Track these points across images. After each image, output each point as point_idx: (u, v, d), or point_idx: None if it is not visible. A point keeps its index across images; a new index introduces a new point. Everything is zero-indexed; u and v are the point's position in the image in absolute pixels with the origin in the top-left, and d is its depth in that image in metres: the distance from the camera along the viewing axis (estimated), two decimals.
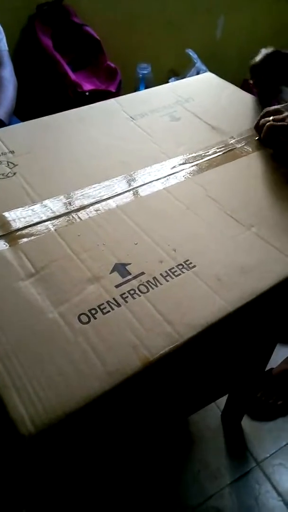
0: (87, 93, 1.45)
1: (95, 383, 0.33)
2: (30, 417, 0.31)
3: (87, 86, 1.48)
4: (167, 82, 1.76)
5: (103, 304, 0.39)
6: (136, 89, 1.69)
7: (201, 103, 0.72)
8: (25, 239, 0.46)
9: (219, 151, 0.60)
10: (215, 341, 0.44)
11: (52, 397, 0.32)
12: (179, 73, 1.81)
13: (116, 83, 1.54)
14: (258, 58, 0.70)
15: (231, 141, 0.62)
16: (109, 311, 0.39)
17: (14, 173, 0.54)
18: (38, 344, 0.36)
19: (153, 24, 1.74)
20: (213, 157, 0.59)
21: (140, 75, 1.68)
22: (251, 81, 0.72)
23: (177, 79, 1.74)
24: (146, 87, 1.69)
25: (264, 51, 0.70)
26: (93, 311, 0.39)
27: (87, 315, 0.38)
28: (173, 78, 1.77)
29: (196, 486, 0.96)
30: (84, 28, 1.55)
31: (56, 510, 0.54)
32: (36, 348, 0.35)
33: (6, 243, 0.45)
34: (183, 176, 0.55)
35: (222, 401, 1.04)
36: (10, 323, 0.37)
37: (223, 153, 0.60)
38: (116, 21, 1.67)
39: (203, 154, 0.59)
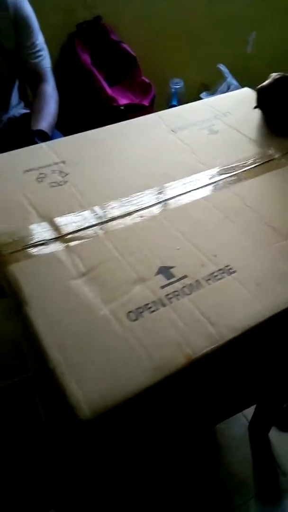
0: (122, 107, 1.51)
1: (142, 376, 0.36)
2: (86, 403, 0.34)
3: (122, 101, 1.54)
4: (199, 96, 1.81)
5: (149, 303, 0.42)
6: (168, 103, 1.74)
7: (239, 117, 0.75)
8: (76, 242, 0.49)
9: (257, 162, 0.62)
10: (251, 346, 0.46)
11: (105, 387, 0.35)
12: (210, 87, 1.85)
13: (150, 97, 1.60)
14: (266, 82, 0.70)
15: (270, 152, 0.65)
16: (154, 311, 0.42)
17: (66, 182, 0.59)
18: (91, 338, 0.39)
19: (186, 40, 1.79)
20: (251, 168, 0.61)
21: (173, 90, 1.73)
22: (255, 106, 0.73)
23: (208, 94, 1.79)
24: (179, 101, 1.73)
25: (273, 75, 0.70)
26: (140, 310, 0.42)
27: (135, 313, 0.41)
28: (204, 93, 1.81)
29: (222, 496, 0.96)
30: (120, 45, 1.62)
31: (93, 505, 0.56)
32: (90, 342, 0.39)
33: (61, 245, 0.49)
34: (222, 186, 0.58)
35: (249, 411, 1.05)
36: (66, 318, 0.41)
37: (261, 164, 0.62)
38: (151, 38, 1.73)
39: (241, 165, 0.62)
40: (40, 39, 1.19)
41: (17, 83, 1.27)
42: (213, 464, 1.02)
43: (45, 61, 1.21)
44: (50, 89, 1.20)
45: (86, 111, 1.57)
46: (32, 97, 1.21)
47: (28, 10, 1.14)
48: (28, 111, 1.28)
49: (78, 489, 0.55)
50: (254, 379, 0.63)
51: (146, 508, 0.92)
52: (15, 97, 1.28)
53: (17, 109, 1.29)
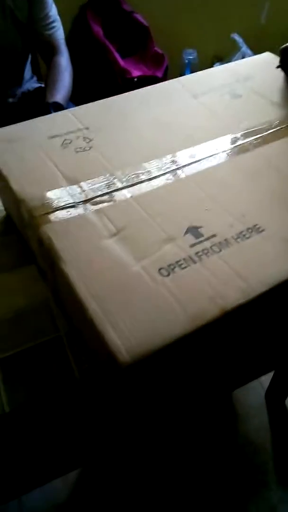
0: (135, 79, 1.49)
1: (178, 326, 0.37)
2: (126, 349, 0.35)
3: (135, 73, 1.52)
4: (212, 67, 1.77)
5: (179, 260, 0.43)
6: (181, 74, 1.71)
7: (261, 80, 0.74)
8: (105, 204, 0.50)
9: (281, 125, 0.62)
10: (279, 302, 0.47)
11: (142, 335, 0.37)
12: (224, 58, 1.81)
13: (162, 69, 1.58)
14: None
15: None
16: (186, 267, 0.43)
17: (90, 147, 0.59)
18: (126, 292, 0.40)
19: (198, 10, 1.75)
20: (276, 130, 0.61)
21: (186, 61, 1.70)
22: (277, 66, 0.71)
23: (222, 64, 1.75)
24: (192, 72, 1.70)
25: None
26: (172, 266, 0.43)
27: (166, 269, 0.42)
28: (217, 63, 1.78)
29: (241, 460, 0.99)
30: (133, 15, 1.59)
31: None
32: (125, 295, 0.40)
33: (90, 207, 0.49)
34: (246, 148, 0.58)
35: (266, 381, 1.07)
36: (100, 275, 0.42)
37: (286, 126, 0.62)
38: (163, 7, 1.70)
39: (265, 128, 0.62)
40: (53, 11, 1.17)
41: (29, 57, 1.26)
42: (231, 431, 1.04)
43: (59, 32, 1.20)
44: (64, 61, 1.19)
45: (100, 83, 1.55)
46: (46, 70, 1.20)
47: None
48: (41, 85, 1.28)
49: (108, 446, 0.57)
50: (276, 341, 0.65)
51: (169, 469, 0.96)
52: (28, 71, 1.27)
53: (31, 83, 1.28)
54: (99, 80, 1.57)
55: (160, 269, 0.42)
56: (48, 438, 0.53)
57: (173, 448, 0.99)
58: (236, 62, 0.82)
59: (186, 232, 0.46)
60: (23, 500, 0.99)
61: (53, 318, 0.55)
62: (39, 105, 1.10)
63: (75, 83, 1.20)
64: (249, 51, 1.69)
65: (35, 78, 1.32)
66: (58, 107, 1.07)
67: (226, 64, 0.81)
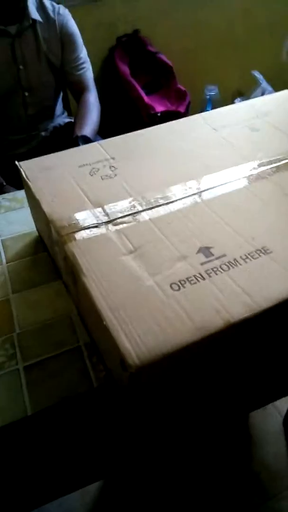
0: (159, 114, 1.58)
1: (185, 334, 0.41)
2: (136, 353, 0.39)
3: (159, 108, 1.62)
4: (233, 102, 1.85)
5: (190, 277, 0.47)
6: (203, 109, 1.80)
7: (279, 116, 0.78)
8: (125, 225, 0.55)
9: None
10: (286, 320, 0.49)
11: (152, 341, 0.40)
12: (244, 93, 1.89)
13: (185, 104, 1.66)
14: None
15: None
16: (195, 283, 0.46)
17: (115, 175, 0.65)
18: (139, 304, 0.44)
19: (220, 48, 1.85)
20: None
21: (208, 96, 1.78)
22: None
23: (243, 99, 1.82)
24: (213, 108, 1.78)
25: None
26: (182, 282, 0.46)
27: (177, 284, 0.46)
28: (239, 99, 1.86)
29: (257, 487, 0.98)
30: (157, 55, 1.70)
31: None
32: (137, 306, 0.44)
33: (111, 227, 0.54)
34: (261, 177, 0.62)
35: (284, 407, 1.06)
36: (118, 286, 0.46)
37: None
38: (186, 47, 1.81)
39: (281, 158, 0.65)
40: (83, 53, 1.28)
41: (61, 94, 1.37)
42: (248, 456, 1.03)
43: (88, 72, 1.30)
44: (92, 98, 1.29)
45: (126, 119, 1.66)
46: (76, 106, 1.30)
47: (73, 27, 1.25)
48: (71, 119, 1.38)
49: (126, 455, 0.60)
50: (284, 360, 0.66)
51: (183, 492, 0.95)
52: (59, 107, 1.38)
53: (62, 118, 1.39)
54: (125, 116, 1.68)
55: (171, 284, 0.46)
56: (67, 443, 0.56)
57: (187, 469, 0.98)
58: (256, 98, 0.87)
59: (198, 252, 0.50)
60: None
61: (75, 330, 0.59)
62: (69, 138, 1.19)
63: (103, 119, 1.29)
64: (269, 87, 1.76)
65: (65, 114, 1.42)
66: (86, 140, 1.15)
67: (246, 101, 0.86)
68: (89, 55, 1.31)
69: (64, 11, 1.23)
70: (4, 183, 1.15)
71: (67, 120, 1.40)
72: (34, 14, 1.16)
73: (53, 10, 1.20)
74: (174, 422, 0.57)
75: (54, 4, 1.22)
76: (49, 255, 0.70)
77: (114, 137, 0.75)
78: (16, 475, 0.55)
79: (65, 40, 1.23)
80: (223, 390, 0.57)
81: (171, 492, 0.97)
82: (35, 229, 0.76)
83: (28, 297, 0.65)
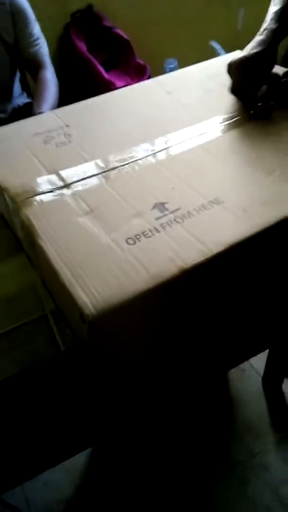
0: None
1: (141, 283, 0.42)
2: (92, 304, 0.40)
3: (119, 84, 1.60)
4: None
5: (145, 231, 0.48)
6: None
7: None
8: (81, 188, 0.55)
9: (244, 114, 0.67)
10: (243, 266, 0.50)
11: (108, 292, 0.41)
12: None
13: (145, 78, 1.65)
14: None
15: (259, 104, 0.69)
16: (150, 236, 0.47)
17: (70, 142, 0.64)
18: (95, 259, 0.45)
19: (177, 20, 1.83)
20: (239, 118, 0.66)
21: (168, 70, 1.77)
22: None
23: None
24: None
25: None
26: (138, 236, 0.47)
27: (133, 239, 0.47)
28: None
29: (242, 445, 1.01)
30: (113, 30, 1.67)
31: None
32: (94, 262, 0.44)
33: (67, 191, 0.54)
34: (212, 135, 0.63)
35: (262, 367, 1.09)
36: (74, 246, 0.46)
37: (251, 113, 0.66)
38: (142, 21, 1.78)
39: (232, 116, 0.66)
40: (36, 29, 1.25)
41: (18, 74, 1.33)
42: (230, 418, 1.06)
43: (43, 49, 1.27)
44: (49, 74, 1.26)
45: (85, 96, 1.63)
46: (34, 84, 1.27)
47: (24, 3, 1.21)
48: (30, 100, 1.35)
49: (102, 419, 0.61)
50: (261, 317, 0.68)
51: (167, 457, 0.98)
52: (17, 87, 1.35)
53: (20, 99, 1.36)
54: (84, 93, 1.65)
55: (127, 239, 0.47)
56: (40, 410, 0.56)
57: (170, 433, 1.01)
58: (208, 61, 0.88)
59: (153, 208, 0.51)
60: (28, 497, 1.02)
61: (40, 300, 0.59)
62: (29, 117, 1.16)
63: (62, 97, 1.26)
64: (223, 54, 1.76)
65: (24, 94, 1.39)
66: None
67: (198, 63, 0.86)
68: (43, 32, 1.28)
69: None
70: None
71: (27, 100, 1.36)
72: None
73: None
74: (144, 381, 0.58)
75: None
76: (10, 230, 0.69)
77: (68, 105, 0.74)
78: None
79: (16, 17, 1.19)
80: (192, 345, 0.59)
81: (157, 459, 1.00)
82: None
83: None
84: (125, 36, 1.66)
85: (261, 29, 0.70)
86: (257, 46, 0.68)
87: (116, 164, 0.59)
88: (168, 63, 1.74)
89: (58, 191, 0.55)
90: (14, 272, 0.64)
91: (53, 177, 0.57)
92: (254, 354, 0.95)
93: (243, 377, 1.11)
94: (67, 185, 0.56)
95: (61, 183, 0.56)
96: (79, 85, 1.65)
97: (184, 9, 1.84)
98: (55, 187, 0.55)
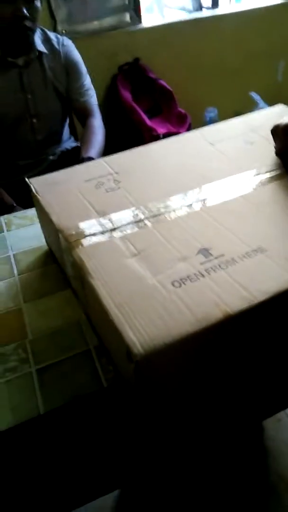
0: (161, 136, 1.65)
1: (186, 325, 0.43)
2: (140, 343, 0.42)
3: (161, 130, 1.69)
4: None
5: (190, 275, 0.50)
6: None
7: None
8: (129, 231, 0.59)
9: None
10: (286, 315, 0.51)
11: (155, 332, 0.43)
12: (243, 114, 1.96)
13: (186, 126, 1.74)
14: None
15: None
16: (195, 280, 0.49)
17: (119, 188, 0.69)
18: (142, 300, 0.47)
19: (218, 72, 1.93)
20: (282, 171, 0.68)
21: (208, 118, 1.86)
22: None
23: None
24: None
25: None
26: (183, 280, 0.49)
27: (179, 282, 0.49)
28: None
29: (275, 498, 0.97)
30: (158, 81, 1.79)
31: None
32: (141, 302, 0.47)
33: (116, 234, 0.58)
34: (255, 185, 0.66)
35: None
36: (122, 286, 0.49)
37: None
38: (185, 72, 1.90)
39: (274, 169, 0.69)
40: (87, 80, 1.36)
41: (67, 120, 1.44)
42: (264, 468, 1.02)
43: (93, 99, 1.38)
44: (97, 122, 1.35)
45: (129, 142, 1.73)
46: (82, 131, 1.36)
47: (77, 56, 1.33)
48: (77, 144, 1.44)
49: (137, 459, 0.61)
50: None
51: (197, 504, 0.95)
52: (66, 132, 1.45)
53: (69, 143, 1.46)
54: (129, 139, 1.75)
55: (173, 282, 0.49)
56: (79, 444, 0.57)
57: (203, 480, 0.98)
58: (250, 114, 0.92)
59: (198, 253, 0.53)
60: None
61: (84, 335, 0.62)
62: (76, 161, 1.24)
63: (108, 143, 1.35)
64: (266, 106, 1.83)
65: (72, 139, 1.49)
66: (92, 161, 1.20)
67: (240, 116, 0.91)
68: (93, 83, 1.39)
69: (68, 42, 1.31)
70: (14, 204, 1.21)
71: (74, 144, 1.46)
72: (40, 46, 1.24)
73: (58, 42, 1.28)
74: (184, 424, 0.58)
75: (58, 36, 1.31)
76: (59, 266, 0.73)
77: (117, 153, 0.79)
78: (28, 476, 0.56)
79: (69, 69, 1.31)
80: (230, 391, 0.59)
81: (188, 506, 0.96)
82: (45, 243, 0.80)
83: (39, 306, 0.68)
84: (168, 87, 1.77)
85: None
86: None
87: (162, 211, 0.62)
88: (208, 111, 1.82)
89: (108, 234, 0.59)
90: (60, 307, 0.67)
91: (104, 220, 0.61)
92: None
93: (279, 426, 1.08)
94: (116, 228, 0.60)
95: (110, 226, 0.60)
96: (124, 132, 1.75)
97: (225, 61, 1.95)
98: (105, 229, 0.59)
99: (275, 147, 0.73)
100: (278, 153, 0.72)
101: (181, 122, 1.74)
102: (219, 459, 1.01)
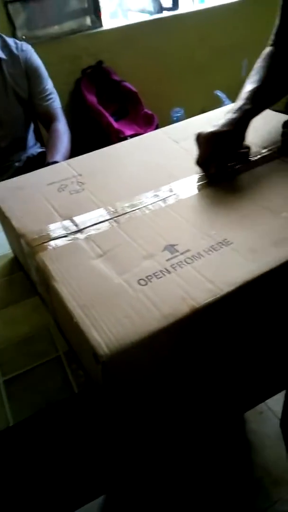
0: (128, 138, 1.65)
1: (153, 322, 0.43)
2: (105, 343, 0.41)
3: (128, 132, 1.69)
4: None
5: (156, 272, 0.49)
6: None
7: None
8: (93, 232, 0.57)
9: (252, 158, 0.70)
10: (254, 305, 0.51)
11: (121, 331, 0.42)
12: None
13: (153, 127, 1.75)
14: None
15: (263, 151, 0.72)
16: (161, 277, 0.48)
17: (83, 189, 0.67)
18: (108, 299, 0.46)
19: (183, 72, 1.95)
20: (242, 165, 0.69)
21: (174, 118, 1.87)
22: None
23: None
24: None
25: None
26: (149, 277, 0.48)
27: (144, 280, 0.48)
28: None
29: (260, 492, 0.97)
30: (122, 83, 1.79)
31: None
32: (107, 302, 0.46)
33: (80, 235, 0.57)
34: (219, 180, 0.66)
35: (280, 409, 1.06)
36: (87, 287, 0.48)
37: (255, 160, 0.70)
38: (149, 74, 1.91)
39: (235, 164, 0.69)
40: (49, 85, 1.34)
41: (32, 126, 1.42)
42: (248, 462, 1.02)
43: (55, 103, 1.36)
44: (62, 126, 1.34)
45: (97, 145, 1.72)
46: (47, 135, 1.35)
47: (37, 61, 1.31)
48: (43, 149, 1.42)
49: (116, 463, 0.59)
50: (273, 355, 0.67)
51: (181, 501, 0.94)
52: (31, 138, 1.43)
53: (34, 149, 1.43)
54: (95, 143, 1.74)
55: (139, 280, 0.48)
56: (53, 453, 0.56)
57: (186, 477, 0.97)
58: (215, 111, 0.93)
59: (164, 250, 0.53)
60: None
61: (53, 341, 0.60)
62: (42, 167, 1.22)
63: (75, 147, 1.33)
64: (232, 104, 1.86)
65: (38, 145, 1.47)
66: None
67: (201, 114, 0.91)
68: (56, 87, 1.37)
69: (27, 47, 1.29)
70: None
71: (40, 150, 1.44)
72: None
73: (16, 47, 1.26)
74: (158, 423, 0.57)
75: (17, 41, 1.29)
76: (25, 274, 0.71)
77: (80, 156, 0.78)
78: (2, 489, 0.54)
79: (30, 74, 1.29)
80: (206, 385, 0.59)
81: (173, 503, 0.95)
82: (10, 251, 0.78)
83: (4, 315, 0.65)
84: (133, 89, 1.77)
85: (235, 107, 0.70)
86: (229, 124, 0.67)
87: (127, 210, 0.62)
88: (174, 112, 1.83)
89: (72, 236, 0.57)
90: (27, 314, 0.65)
91: (67, 223, 0.60)
92: (270, 395, 0.93)
93: (261, 419, 1.08)
94: (80, 230, 0.58)
95: (75, 228, 0.59)
96: (91, 135, 1.74)
97: (190, 60, 1.97)
98: (69, 232, 0.58)
99: (197, 156, 0.69)
100: (200, 161, 0.68)
101: (148, 123, 1.74)
102: (201, 455, 1.01)
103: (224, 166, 0.68)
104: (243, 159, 0.70)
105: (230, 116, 0.69)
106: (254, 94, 0.72)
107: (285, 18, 0.80)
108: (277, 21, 0.82)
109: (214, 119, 0.86)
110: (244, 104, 0.70)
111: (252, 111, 0.70)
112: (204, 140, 0.67)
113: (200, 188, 0.65)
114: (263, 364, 0.66)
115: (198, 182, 0.66)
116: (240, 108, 0.69)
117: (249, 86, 0.75)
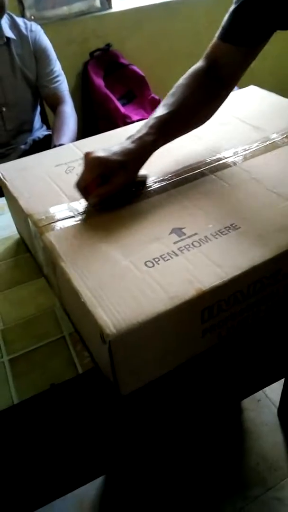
0: (135, 122, 1.63)
1: (160, 303, 0.43)
2: (112, 323, 0.41)
3: (135, 117, 1.67)
4: None
5: (164, 254, 0.49)
6: None
7: (245, 110, 0.82)
8: (101, 215, 0.57)
9: (261, 145, 0.69)
10: (261, 291, 0.51)
11: (128, 312, 0.42)
12: None
13: None
14: None
15: (272, 136, 0.71)
16: (169, 259, 0.48)
17: None
18: (115, 281, 0.46)
19: (191, 55, 1.91)
20: (257, 149, 0.68)
21: None
22: None
23: None
24: None
25: None
26: (156, 259, 0.48)
27: (152, 262, 0.48)
28: None
29: (256, 477, 0.98)
30: (129, 67, 1.76)
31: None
32: (114, 283, 0.46)
33: (87, 217, 0.56)
34: (229, 165, 0.65)
35: (277, 397, 1.07)
36: (94, 268, 0.48)
37: (265, 145, 0.69)
38: (157, 58, 1.87)
39: (247, 148, 0.69)
40: (57, 66, 1.33)
41: (38, 109, 1.40)
42: (244, 449, 1.04)
43: (63, 85, 1.34)
44: (68, 109, 1.32)
45: (103, 130, 1.71)
46: (53, 118, 1.33)
47: (46, 42, 1.29)
48: (50, 132, 1.41)
49: (118, 446, 0.60)
50: (273, 342, 0.67)
51: (179, 486, 0.95)
52: (37, 121, 1.41)
53: (40, 131, 1.42)
54: (103, 127, 1.72)
55: (146, 262, 0.48)
56: (56, 433, 0.56)
57: (184, 463, 0.98)
58: None
59: (171, 233, 0.52)
60: None
61: (58, 322, 0.60)
62: (48, 148, 1.21)
63: (81, 131, 1.32)
64: (237, 89, 1.84)
65: (44, 127, 1.46)
66: None
67: None
68: (64, 70, 1.35)
69: (36, 27, 1.27)
70: None
71: (46, 133, 1.43)
72: (7, 32, 1.20)
73: (26, 27, 1.24)
74: (163, 407, 0.58)
75: (26, 21, 1.27)
76: (31, 255, 0.71)
77: (87, 138, 0.77)
78: (4, 466, 0.55)
79: (38, 55, 1.27)
80: (206, 369, 0.59)
81: (171, 488, 0.97)
82: (16, 233, 0.78)
83: (11, 295, 0.66)
84: (141, 72, 1.74)
85: (136, 135, 0.60)
86: (122, 154, 0.57)
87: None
88: None
89: (79, 217, 0.57)
90: (33, 295, 0.65)
91: (75, 204, 0.60)
92: (269, 383, 0.93)
93: (258, 407, 1.09)
94: (87, 212, 0.58)
95: (82, 210, 0.58)
96: (97, 119, 1.72)
97: (198, 46, 1.92)
98: (76, 213, 0.58)
99: (78, 178, 0.58)
100: (82, 184, 0.58)
101: (155, 108, 1.72)
102: (199, 441, 1.02)
103: (111, 197, 0.58)
104: (138, 189, 0.61)
105: (127, 145, 0.58)
106: (163, 124, 0.61)
107: (242, 14, 0.64)
108: (226, 17, 0.67)
109: (227, 101, 0.85)
110: (146, 134, 0.59)
111: (154, 144, 0.60)
112: (90, 164, 0.57)
113: (208, 172, 0.64)
114: (262, 350, 0.66)
115: (206, 166, 0.65)
116: (140, 138, 0.59)
117: (160, 110, 0.63)
